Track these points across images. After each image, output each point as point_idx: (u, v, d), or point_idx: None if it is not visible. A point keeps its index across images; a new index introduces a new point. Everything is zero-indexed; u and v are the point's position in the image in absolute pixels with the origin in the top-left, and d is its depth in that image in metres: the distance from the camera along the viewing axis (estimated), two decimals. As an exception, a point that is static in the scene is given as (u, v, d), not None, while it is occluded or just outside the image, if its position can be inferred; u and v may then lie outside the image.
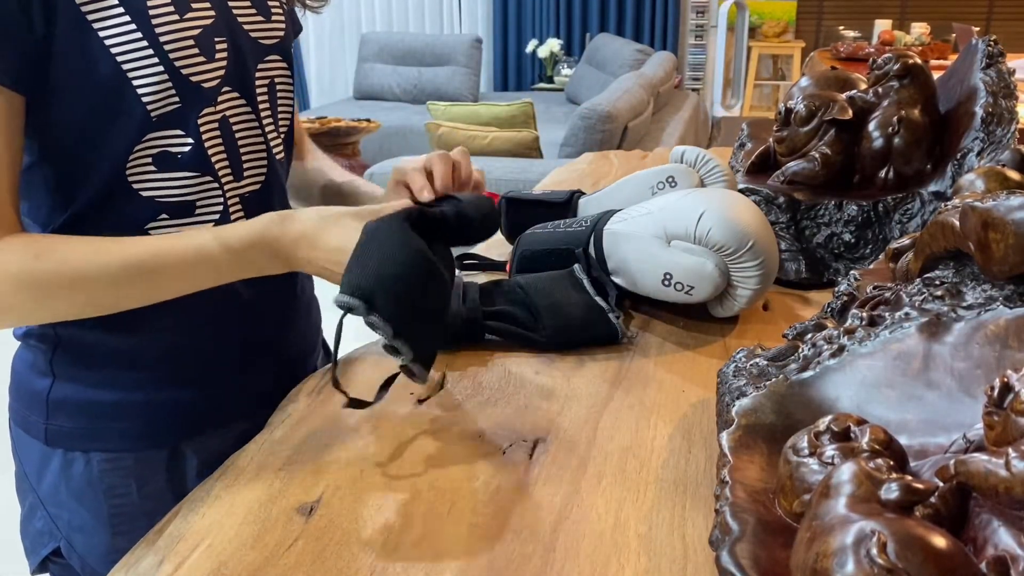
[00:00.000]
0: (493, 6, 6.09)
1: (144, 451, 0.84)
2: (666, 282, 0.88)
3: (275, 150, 0.88)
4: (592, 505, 0.62)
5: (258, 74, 0.84)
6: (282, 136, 0.90)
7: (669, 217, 0.88)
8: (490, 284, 0.94)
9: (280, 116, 0.89)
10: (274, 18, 0.86)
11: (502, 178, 2.98)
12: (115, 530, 0.84)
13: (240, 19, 0.82)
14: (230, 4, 0.81)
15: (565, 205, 1.12)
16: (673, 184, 1.03)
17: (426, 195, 0.83)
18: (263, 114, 0.85)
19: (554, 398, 0.78)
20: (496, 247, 1.17)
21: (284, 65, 0.88)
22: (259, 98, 0.84)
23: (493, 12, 6.11)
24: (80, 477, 0.83)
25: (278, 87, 0.88)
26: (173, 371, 0.85)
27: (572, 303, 0.89)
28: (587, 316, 0.88)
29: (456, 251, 0.89)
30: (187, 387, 0.86)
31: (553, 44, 5.87)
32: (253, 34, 0.83)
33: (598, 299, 0.89)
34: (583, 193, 1.14)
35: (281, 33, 0.87)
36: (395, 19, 6.30)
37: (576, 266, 0.94)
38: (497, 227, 0.85)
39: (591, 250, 0.94)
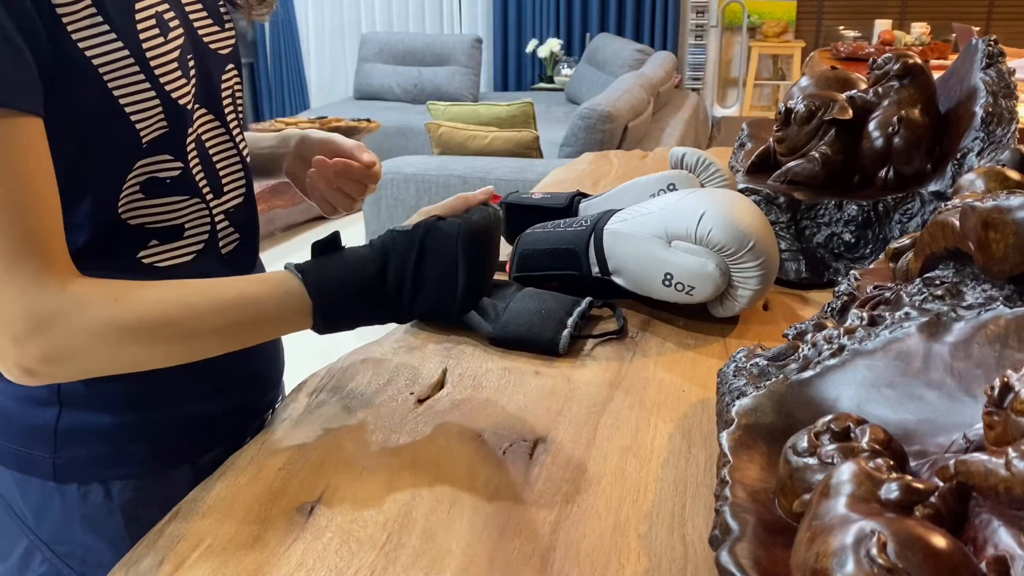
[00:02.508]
0: (493, 6, 6.09)
1: (168, 471, 0.81)
2: (667, 282, 0.88)
3: (247, 159, 0.86)
4: (592, 505, 0.62)
5: (223, 86, 0.82)
6: (246, 144, 0.88)
7: (670, 217, 0.88)
8: (496, 281, 0.96)
9: (242, 125, 0.87)
10: (227, 25, 0.83)
11: (502, 178, 2.98)
12: None
13: (200, 31, 0.79)
14: (190, 16, 0.78)
15: (565, 211, 1.12)
16: (674, 191, 1.03)
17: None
18: (232, 126, 0.83)
19: (554, 398, 0.78)
20: (496, 247, 1.17)
21: (238, 73, 0.85)
22: (226, 110, 0.82)
23: (493, 12, 6.11)
24: (99, 508, 0.79)
25: (237, 96, 0.86)
26: (191, 382, 0.81)
27: (534, 310, 0.89)
28: (541, 323, 0.88)
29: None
30: (206, 399, 0.83)
31: (553, 44, 5.87)
32: (212, 45, 0.80)
33: (569, 319, 0.88)
34: (583, 195, 1.14)
35: (233, 40, 0.84)
36: (395, 19, 6.31)
37: (586, 300, 0.93)
38: None
39: (591, 250, 0.94)
